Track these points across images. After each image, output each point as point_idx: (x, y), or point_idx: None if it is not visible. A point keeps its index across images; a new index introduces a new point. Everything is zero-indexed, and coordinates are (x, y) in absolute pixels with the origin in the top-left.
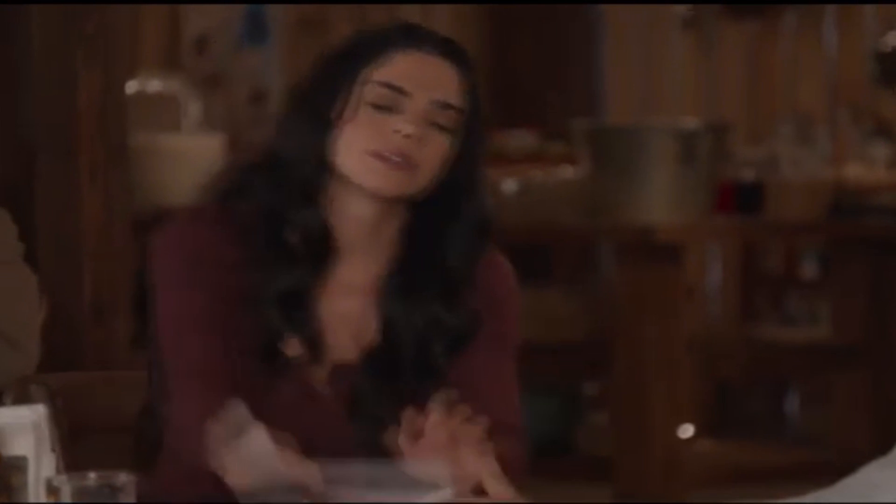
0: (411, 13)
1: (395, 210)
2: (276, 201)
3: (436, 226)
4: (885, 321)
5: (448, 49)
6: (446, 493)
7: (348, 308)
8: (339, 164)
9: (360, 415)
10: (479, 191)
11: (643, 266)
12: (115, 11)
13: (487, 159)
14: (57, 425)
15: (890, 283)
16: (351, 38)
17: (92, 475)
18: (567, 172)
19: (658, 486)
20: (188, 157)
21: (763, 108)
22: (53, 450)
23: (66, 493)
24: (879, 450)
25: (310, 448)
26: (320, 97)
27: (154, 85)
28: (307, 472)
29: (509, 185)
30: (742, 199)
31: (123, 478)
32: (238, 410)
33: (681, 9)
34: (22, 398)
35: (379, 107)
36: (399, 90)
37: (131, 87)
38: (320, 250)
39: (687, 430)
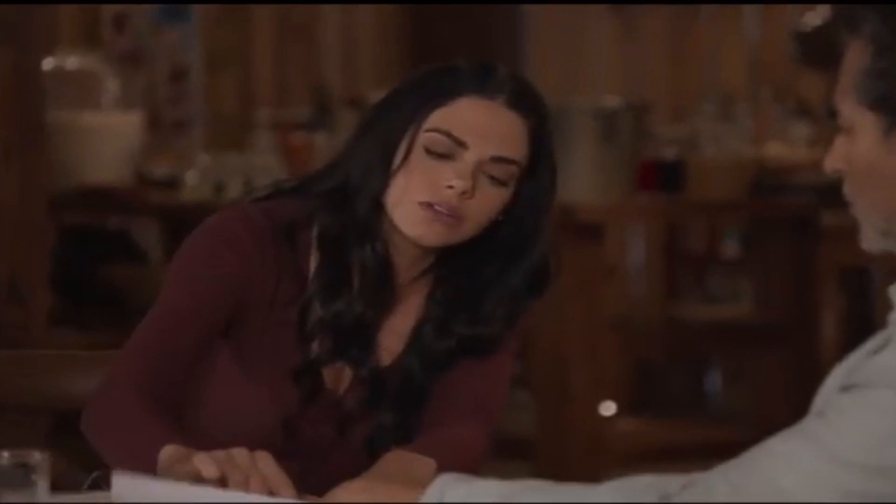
0: None
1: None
2: (335, 229)
3: (480, 270)
4: (806, 299)
5: (519, 100)
6: None
7: (384, 325)
8: (388, 205)
9: (376, 448)
10: (540, 242)
11: (565, 245)
12: None
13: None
14: None
15: (811, 261)
16: (424, 74)
17: (5, 454)
18: None
19: (580, 465)
20: (108, 134)
21: (685, 86)
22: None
23: None
24: None
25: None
26: (386, 131)
27: (73, 62)
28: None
29: None
30: (664, 177)
31: (37, 457)
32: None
33: None
34: None
35: (435, 153)
36: (458, 141)
37: (49, 64)
38: (382, 285)
39: (609, 408)
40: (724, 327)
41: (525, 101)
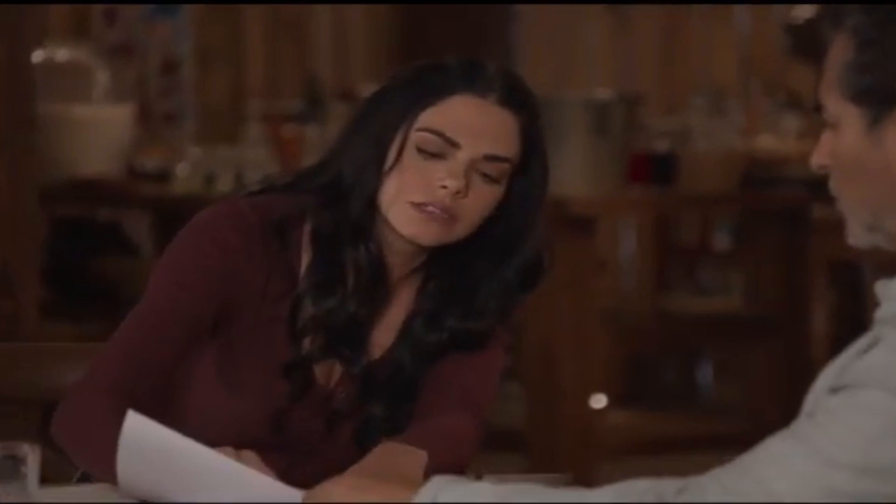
0: None
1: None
2: (329, 227)
3: (472, 264)
4: (797, 292)
5: (510, 97)
6: None
7: (375, 320)
8: (382, 204)
9: (367, 440)
10: (532, 238)
11: (556, 238)
12: None
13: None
14: None
15: (802, 254)
16: (413, 72)
17: None
18: None
19: (570, 457)
20: (99, 126)
21: (676, 80)
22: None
23: None
24: (791, 419)
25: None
26: (377, 129)
27: (63, 54)
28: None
29: None
30: (655, 170)
31: (26, 449)
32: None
33: None
34: None
35: (427, 153)
36: (450, 141)
37: (39, 56)
38: (375, 284)
39: (600, 401)
40: (714, 320)
41: (516, 97)
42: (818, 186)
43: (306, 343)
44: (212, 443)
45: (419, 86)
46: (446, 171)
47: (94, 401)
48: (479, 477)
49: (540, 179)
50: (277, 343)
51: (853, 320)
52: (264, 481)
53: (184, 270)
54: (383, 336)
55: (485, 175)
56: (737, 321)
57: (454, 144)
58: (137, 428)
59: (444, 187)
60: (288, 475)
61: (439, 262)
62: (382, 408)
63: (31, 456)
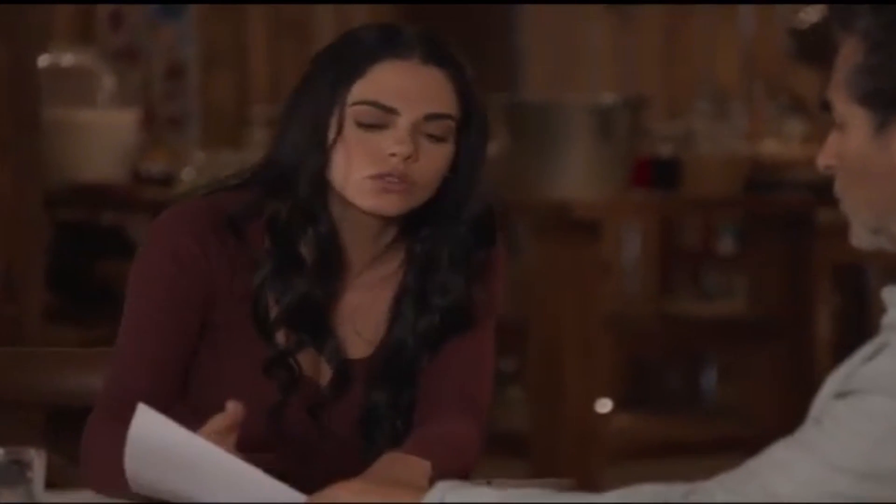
0: None
1: (397, 217)
2: (283, 214)
3: (437, 227)
4: (801, 296)
5: (434, 53)
6: None
7: (354, 306)
8: (336, 183)
9: (374, 429)
10: (478, 193)
11: (560, 242)
12: None
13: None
14: None
15: (805, 257)
16: (332, 51)
17: (0, 451)
18: None
19: (574, 461)
20: (103, 131)
21: (680, 83)
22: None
23: None
24: (795, 423)
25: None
26: (310, 113)
27: (68, 59)
28: None
29: None
30: (659, 174)
31: (32, 454)
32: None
33: None
34: None
35: (367, 125)
36: (387, 108)
37: (44, 60)
38: (332, 263)
39: (605, 405)
40: (718, 324)
41: (439, 53)
42: (822, 190)
43: (280, 337)
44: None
45: (341, 62)
46: (392, 139)
47: (94, 423)
48: (487, 483)
49: (482, 131)
50: (253, 341)
51: (857, 324)
52: (269, 482)
53: (149, 282)
54: (371, 326)
55: (431, 136)
56: (740, 325)
57: (391, 111)
58: (146, 422)
59: (394, 154)
60: (290, 476)
61: (412, 235)
62: (385, 395)
63: (37, 461)
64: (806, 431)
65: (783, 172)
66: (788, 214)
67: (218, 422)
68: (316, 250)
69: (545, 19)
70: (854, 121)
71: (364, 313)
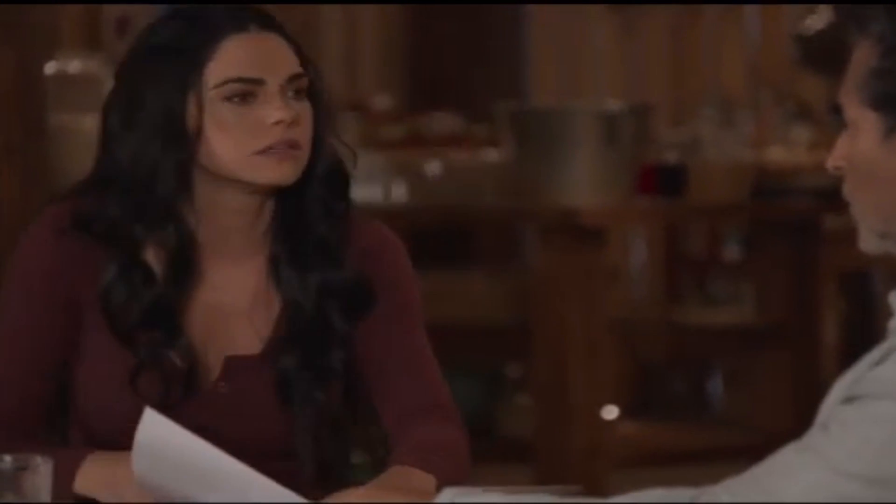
0: None
1: (271, 192)
2: (134, 219)
3: (300, 186)
4: (807, 303)
5: (265, 21)
6: None
7: (240, 301)
8: (217, 168)
9: (291, 396)
10: (327, 150)
11: (566, 248)
12: None
13: (345, 128)
14: None
15: (812, 264)
16: (164, 42)
17: (7, 458)
18: (490, 155)
19: (580, 468)
20: None
21: (686, 90)
22: None
23: None
24: (801, 430)
25: (246, 445)
26: (157, 109)
27: (75, 65)
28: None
29: (433, 168)
30: (665, 181)
31: (39, 460)
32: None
33: None
34: None
35: (237, 101)
36: (252, 80)
37: (51, 67)
38: (182, 265)
39: (611, 412)
40: (725, 331)
41: (268, 19)
42: (828, 197)
43: (141, 343)
44: (120, 444)
45: (178, 51)
46: (272, 108)
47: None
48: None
49: (321, 83)
50: (118, 350)
51: (863, 331)
52: (275, 487)
53: (16, 302)
54: (268, 319)
55: (296, 94)
56: (747, 332)
57: (257, 81)
58: (153, 425)
59: (279, 122)
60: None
61: (280, 210)
62: (294, 358)
63: (45, 467)
64: (813, 437)
65: (789, 179)
66: (795, 221)
67: None
68: (172, 249)
69: (551, 26)
70: (864, 124)
71: (258, 305)
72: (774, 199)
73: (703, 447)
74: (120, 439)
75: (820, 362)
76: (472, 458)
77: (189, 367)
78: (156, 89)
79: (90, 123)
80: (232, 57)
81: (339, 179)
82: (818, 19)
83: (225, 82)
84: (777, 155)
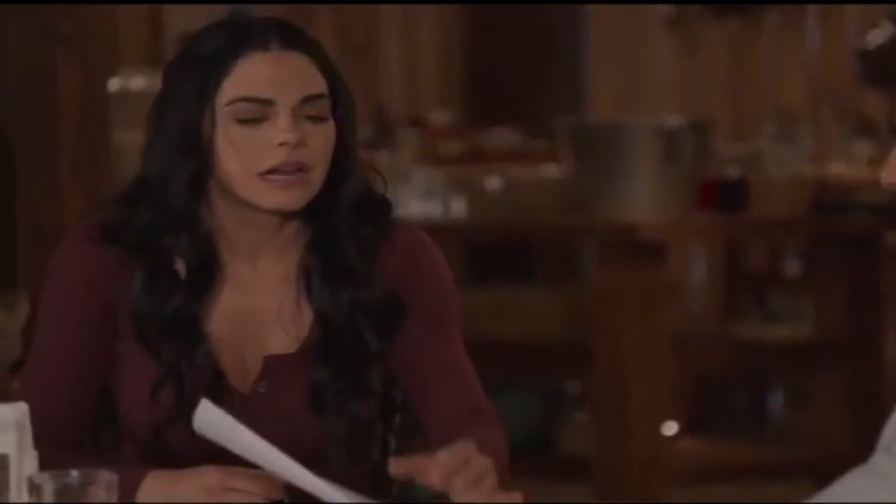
0: (393, 12)
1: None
2: (157, 228)
3: (329, 209)
4: (868, 318)
5: (290, 39)
6: None
7: (273, 303)
8: (228, 185)
9: (324, 406)
10: (355, 169)
11: (625, 264)
12: (94, 10)
13: (360, 138)
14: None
15: (873, 280)
16: (188, 58)
17: (74, 473)
18: (550, 170)
19: (639, 485)
20: None
21: (746, 105)
22: (35, 448)
23: (47, 492)
24: (860, 448)
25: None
26: (177, 121)
27: (138, 82)
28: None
29: (492, 183)
30: (725, 196)
31: (105, 475)
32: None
33: (664, 8)
34: (2, 396)
35: (247, 120)
36: (263, 101)
37: (115, 84)
38: (206, 273)
39: (671, 428)
40: (784, 347)
41: (294, 37)
42: (890, 212)
43: (166, 352)
44: (163, 454)
45: (201, 65)
46: (277, 129)
47: (49, 457)
48: None
49: (350, 104)
50: (148, 358)
51: None
52: (320, 482)
53: (57, 317)
54: (300, 328)
55: (311, 118)
56: (807, 348)
57: (268, 102)
58: (208, 413)
59: (283, 143)
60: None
61: (311, 223)
62: (327, 372)
63: (111, 483)
64: (879, 461)
65: (850, 194)
66: (855, 236)
67: None
68: (190, 258)
69: (610, 41)
70: None
71: (287, 312)
72: (835, 214)
73: (762, 463)
74: (159, 446)
75: (881, 379)
76: (531, 475)
77: (216, 373)
78: (178, 101)
79: None
80: (247, 75)
81: (367, 205)
82: (879, 34)
83: (235, 100)
84: (838, 170)
